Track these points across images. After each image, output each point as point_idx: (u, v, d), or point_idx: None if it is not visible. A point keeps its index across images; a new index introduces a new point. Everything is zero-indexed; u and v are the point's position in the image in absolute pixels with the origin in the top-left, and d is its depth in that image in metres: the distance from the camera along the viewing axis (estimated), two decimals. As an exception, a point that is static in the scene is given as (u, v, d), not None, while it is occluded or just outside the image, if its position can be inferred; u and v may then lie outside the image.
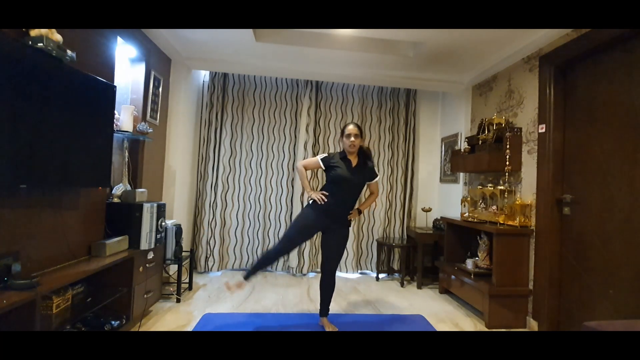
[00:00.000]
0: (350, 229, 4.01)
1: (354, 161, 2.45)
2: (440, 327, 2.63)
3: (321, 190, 2.45)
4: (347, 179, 2.38)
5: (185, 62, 3.47)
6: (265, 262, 2.55)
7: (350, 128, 2.42)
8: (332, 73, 3.69)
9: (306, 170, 2.54)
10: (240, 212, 4.05)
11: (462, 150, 3.40)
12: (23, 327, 1.42)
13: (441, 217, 3.81)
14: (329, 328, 2.47)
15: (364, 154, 2.50)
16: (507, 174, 2.86)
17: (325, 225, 2.44)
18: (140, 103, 2.73)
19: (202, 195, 3.93)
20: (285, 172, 4.10)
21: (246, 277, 2.52)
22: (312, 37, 3.11)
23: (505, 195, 2.86)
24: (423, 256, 3.67)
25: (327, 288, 2.49)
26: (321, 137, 4.12)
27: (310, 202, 2.45)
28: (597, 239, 2.24)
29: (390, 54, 3.23)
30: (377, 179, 2.56)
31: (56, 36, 1.67)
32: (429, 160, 4.35)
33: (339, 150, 2.56)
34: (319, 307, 2.52)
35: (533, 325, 2.60)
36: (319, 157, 2.48)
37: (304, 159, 3.94)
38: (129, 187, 2.54)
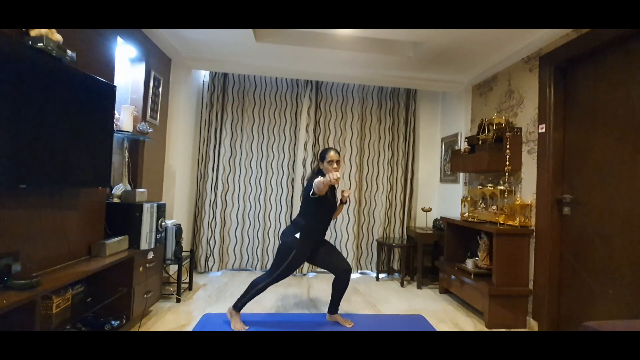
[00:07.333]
0: (350, 229, 4.12)
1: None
2: (440, 327, 2.63)
3: (304, 210, 2.52)
4: (333, 203, 2.53)
5: (185, 62, 3.47)
6: (259, 293, 2.48)
7: (332, 154, 2.48)
8: (332, 73, 3.69)
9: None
10: (240, 212, 4.05)
11: (462, 150, 3.40)
12: (23, 327, 1.42)
13: (441, 217, 3.81)
14: (346, 323, 2.58)
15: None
16: (507, 174, 2.86)
17: (315, 245, 2.54)
18: (140, 103, 2.73)
19: (202, 195, 3.93)
20: (285, 172, 4.10)
21: (237, 308, 2.47)
22: (312, 37, 3.11)
23: (505, 195, 2.86)
24: (423, 256, 3.67)
25: (344, 288, 2.57)
26: (321, 137, 4.12)
27: (298, 235, 2.41)
28: (597, 238, 2.24)
29: (390, 54, 3.23)
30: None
31: (56, 36, 1.67)
32: (429, 160, 4.35)
33: (320, 172, 2.51)
34: (330, 306, 2.62)
35: (533, 325, 2.60)
36: (318, 179, 2.32)
37: (304, 160, 3.98)
38: (129, 187, 2.54)
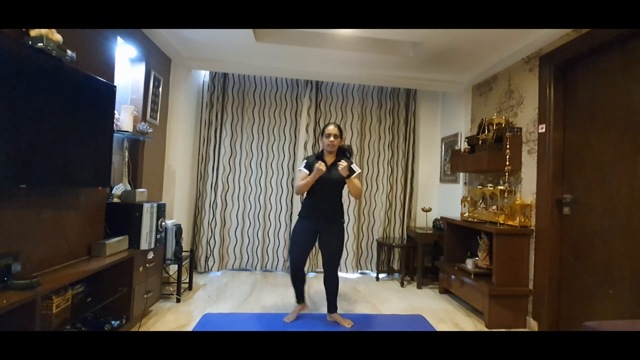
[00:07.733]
0: (350, 229, 4.11)
1: (330, 160, 2.52)
2: (440, 327, 2.63)
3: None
4: (322, 178, 2.39)
5: (185, 62, 3.47)
6: (296, 284, 2.64)
7: (330, 128, 2.51)
8: (332, 73, 3.69)
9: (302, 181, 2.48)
10: (240, 212, 4.05)
11: (462, 150, 3.40)
12: (23, 327, 1.42)
13: (441, 217, 3.81)
14: (346, 323, 2.57)
15: (343, 153, 2.59)
16: (507, 174, 2.86)
17: (319, 227, 2.53)
18: (140, 103, 2.73)
19: (202, 195, 3.93)
20: (285, 172, 4.10)
21: (298, 301, 2.67)
22: (312, 37, 3.11)
23: (505, 195, 2.86)
24: (423, 256, 3.67)
25: (333, 285, 2.59)
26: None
27: (298, 213, 2.61)
28: (597, 238, 2.24)
29: (390, 54, 3.23)
30: (355, 174, 2.46)
31: (56, 36, 1.67)
32: (429, 160, 4.35)
33: (321, 154, 2.61)
34: (327, 305, 2.63)
35: (533, 325, 2.60)
36: (301, 167, 2.56)
37: (304, 159, 3.94)
38: (129, 187, 2.54)
